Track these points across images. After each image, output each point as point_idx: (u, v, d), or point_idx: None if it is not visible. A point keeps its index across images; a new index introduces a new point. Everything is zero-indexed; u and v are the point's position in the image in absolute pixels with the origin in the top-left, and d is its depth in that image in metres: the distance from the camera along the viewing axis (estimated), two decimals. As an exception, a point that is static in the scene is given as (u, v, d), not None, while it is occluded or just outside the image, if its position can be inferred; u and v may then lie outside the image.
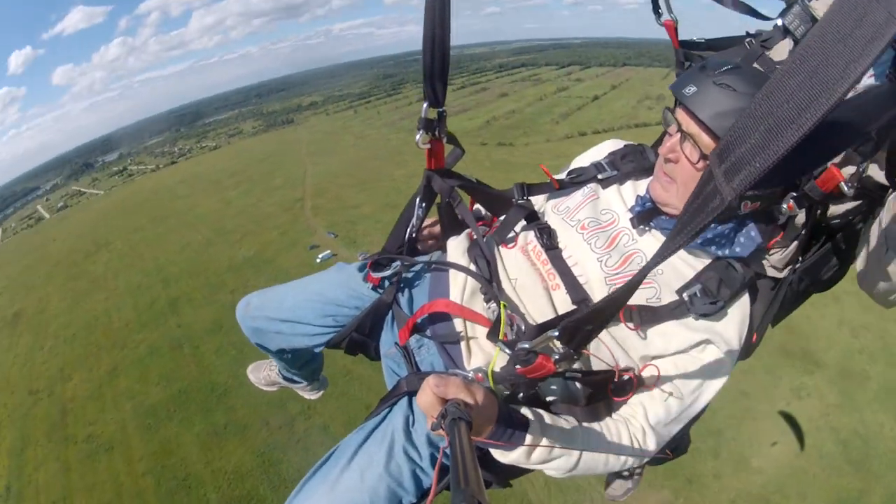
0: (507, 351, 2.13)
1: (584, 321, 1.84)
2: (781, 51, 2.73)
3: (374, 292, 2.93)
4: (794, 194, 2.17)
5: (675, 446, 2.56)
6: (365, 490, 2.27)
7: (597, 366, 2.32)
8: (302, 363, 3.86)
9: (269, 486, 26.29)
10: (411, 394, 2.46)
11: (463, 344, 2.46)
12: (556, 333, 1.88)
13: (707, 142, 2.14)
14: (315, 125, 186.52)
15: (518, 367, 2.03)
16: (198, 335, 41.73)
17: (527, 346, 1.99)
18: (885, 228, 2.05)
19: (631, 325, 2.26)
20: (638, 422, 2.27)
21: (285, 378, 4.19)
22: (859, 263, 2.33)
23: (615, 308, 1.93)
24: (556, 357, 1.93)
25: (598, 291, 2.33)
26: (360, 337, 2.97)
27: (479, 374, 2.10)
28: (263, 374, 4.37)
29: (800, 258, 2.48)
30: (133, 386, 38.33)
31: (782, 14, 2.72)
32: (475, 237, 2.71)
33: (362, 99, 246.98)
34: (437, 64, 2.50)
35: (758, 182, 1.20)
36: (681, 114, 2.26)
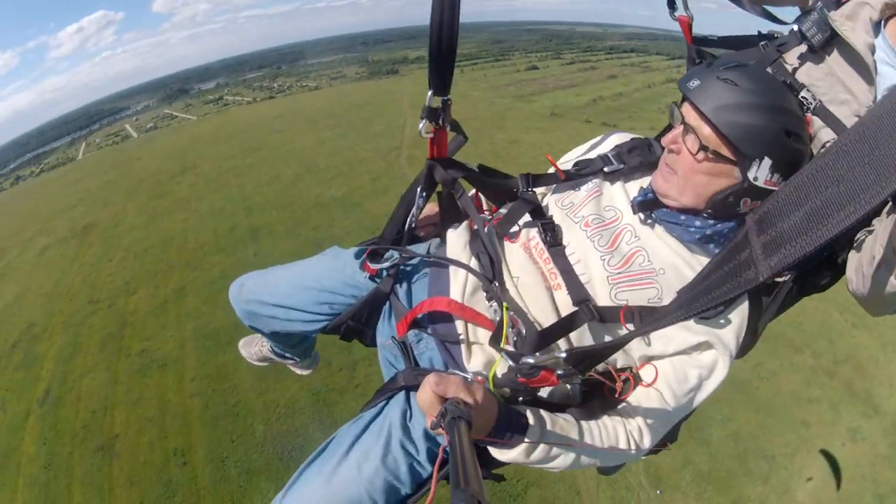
0: (511, 363, 2.20)
1: (595, 352, 2.08)
2: (794, 56, 2.77)
3: (372, 282, 3.00)
4: None
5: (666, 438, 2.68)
6: (362, 482, 2.41)
7: (597, 369, 2.41)
8: (295, 342, 4.01)
9: (320, 425, 25.82)
10: (408, 388, 2.60)
11: (463, 344, 2.54)
12: (564, 355, 2.02)
13: (707, 133, 2.27)
14: (419, 79, 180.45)
15: (520, 377, 2.15)
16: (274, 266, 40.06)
17: (531, 361, 2.10)
18: (878, 239, 2.15)
19: (631, 326, 2.32)
20: (635, 420, 2.38)
21: (277, 354, 4.33)
22: (850, 270, 2.42)
23: (625, 343, 2.15)
24: (560, 373, 2.09)
25: (600, 291, 2.42)
26: (357, 325, 3.05)
27: (480, 378, 2.29)
28: (255, 349, 4.50)
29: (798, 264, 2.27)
30: (199, 307, 38.05)
31: (799, 20, 2.78)
32: (477, 229, 2.79)
33: (469, 60, 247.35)
34: (443, 50, 2.50)
35: (796, 262, 1.23)
36: (685, 107, 2.39)
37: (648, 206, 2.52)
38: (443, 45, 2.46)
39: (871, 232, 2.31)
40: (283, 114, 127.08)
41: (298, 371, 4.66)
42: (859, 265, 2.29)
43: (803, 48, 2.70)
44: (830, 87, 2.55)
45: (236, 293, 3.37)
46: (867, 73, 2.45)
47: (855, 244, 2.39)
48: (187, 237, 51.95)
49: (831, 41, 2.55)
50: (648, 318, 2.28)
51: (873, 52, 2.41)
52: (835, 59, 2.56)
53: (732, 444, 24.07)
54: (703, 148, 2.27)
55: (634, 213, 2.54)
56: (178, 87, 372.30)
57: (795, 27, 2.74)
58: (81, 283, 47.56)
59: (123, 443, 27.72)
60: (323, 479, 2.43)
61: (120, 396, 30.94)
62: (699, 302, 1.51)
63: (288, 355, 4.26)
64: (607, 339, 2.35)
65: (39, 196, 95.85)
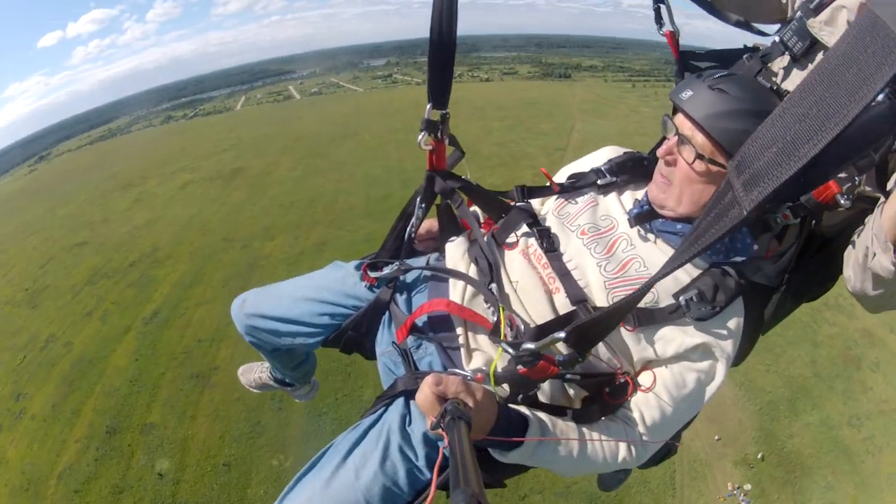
0: (511, 352, 2.18)
1: (592, 325, 2.06)
2: (779, 67, 2.89)
3: (371, 292, 3.01)
4: (790, 204, 2.34)
5: (667, 449, 2.76)
6: (359, 489, 2.41)
7: (596, 368, 2.43)
8: (295, 364, 3.92)
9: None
10: (408, 393, 2.58)
11: (462, 344, 2.56)
12: (563, 336, 2.02)
13: (701, 141, 2.32)
14: (591, 87, 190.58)
15: (521, 367, 2.15)
16: (419, 239, 40.14)
17: (532, 347, 2.10)
18: (873, 234, 2.17)
19: (629, 327, 2.38)
20: (634, 425, 2.40)
21: (276, 381, 4.35)
22: (847, 268, 2.44)
23: (623, 313, 2.17)
24: (560, 359, 2.13)
25: (597, 295, 2.46)
26: (357, 335, 3.03)
27: (479, 375, 2.23)
28: (254, 376, 4.48)
29: (793, 267, 2.60)
30: None
31: (780, 30, 2.85)
32: (476, 238, 2.84)
33: (642, 76, 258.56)
34: (441, 66, 2.68)
35: (774, 194, 1.36)
36: (678, 118, 2.44)
37: (645, 217, 2.55)
38: (440, 62, 2.63)
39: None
40: (452, 99, 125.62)
41: (297, 398, 4.69)
42: (856, 261, 2.32)
43: (786, 59, 2.80)
44: None
45: (238, 309, 3.30)
46: None
47: (851, 243, 2.41)
48: (337, 198, 51.85)
49: (812, 48, 2.64)
50: (645, 318, 2.36)
51: None
52: (814, 63, 2.65)
53: (825, 518, 24.69)
54: (698, 157, 2.32)
55: (632, 226, 2.57)
56: (347, 59, 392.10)
57: (777, 38, 2.83)
58: (219, 222, 48.03)
59: (221, 376, 27.25)
60: (320, 485, 2.43)
61: (231, 332, 29.39)
62: (692, 248, 1.59)
63: (288, 380, 4.27)
64: (605, 339, 2.34)
65: (190, 137, 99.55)
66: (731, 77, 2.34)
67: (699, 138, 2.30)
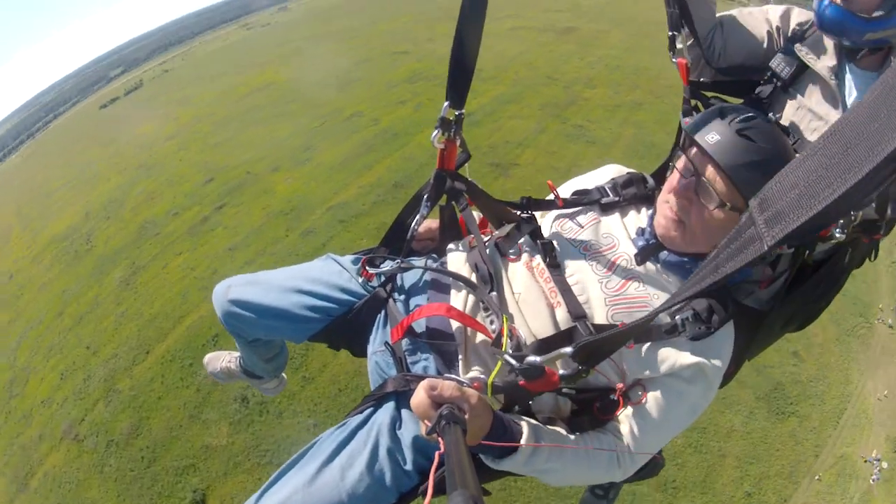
0: (516, 364, 2.18)
1: (603, 343, 2.07)
2: (771, 98, 3.04)
3: (367, 289, 3.05)
4: None
5: (651, 467, 2.76)
6: (344, 489, 2.39)
7: (593, 384, 2.50)
8: (270, 356, 3.87)
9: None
10: (398, 395, 2.60)
11: (460, 351, 2.57)
12: (570, 351, 2.03)
13: (723, 189, 2.35)
14: None
15: (522, 380, 2.19)
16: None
17: (537, 360, 2.12)
18: None
19: (626, 343, 2.40)
20: (622, 440, 2.42)
21: (245, 371, 4.20)
22: None
23: (634, 333, 2.23)
24: (563, 373, 2.17)
25: (597, 312, 2.48)
26: (348, 332, 3.05)
27: (477, 383, 2.24)
28: (222, 364, 4.37)
29: (783, 294, 2.77)
30: (651, 129, 35.49)
31: (772, 60, 3.03)
32: (477, 245, 2.87)
33: None
34: (463, 65, 2.70)
35: (794, 232, 1.37)
36: (698, 157, 2.45)
37: (651, 251, 2.59)
38: (464, 64, 2.66)
39: None
40: None
41: (264, 392, 4.51)
42: None
43: (778, 89, 2.98)
44: (801, 119, 2.82)
45: (221, 294, 3.18)
46: (833, 96, 2.72)
47: None
48: (660, 74, 49.85)
49: (799, 76, 2.86)
50: (642, 335, 2.38)
51: (836, 76, 2.72)
52: (802, 90, 2.86)
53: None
54: (721, 205, 2.35)
55: (639, 263, 2.58)
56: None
57: (769, 69, 3.00)
58: (544, 63, 47.95)
59: (520, 171, 28.23)
60: (303, 482, 2.40)
61: (542, 141, 31.32)
62: (709, 279, 1.60)
63: (258, 373, 4.11)
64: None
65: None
66: (757, 123, 2.36)
67: (721, 185, 2.32)
